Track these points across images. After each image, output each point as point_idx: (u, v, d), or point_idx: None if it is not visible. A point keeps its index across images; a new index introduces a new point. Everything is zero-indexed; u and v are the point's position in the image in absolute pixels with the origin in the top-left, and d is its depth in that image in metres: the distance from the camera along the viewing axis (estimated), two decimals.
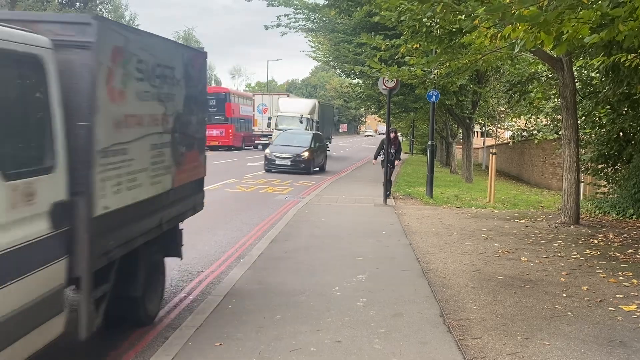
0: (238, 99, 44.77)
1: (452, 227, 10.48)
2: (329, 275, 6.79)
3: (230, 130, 40.63)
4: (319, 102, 36.46)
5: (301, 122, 31.05)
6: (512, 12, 4.22)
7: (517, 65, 15.33)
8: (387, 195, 14.10)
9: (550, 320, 5.35)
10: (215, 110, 39.76)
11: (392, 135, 14.81)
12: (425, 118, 31.46)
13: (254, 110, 44.17)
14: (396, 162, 15.63)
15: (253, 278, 6.61)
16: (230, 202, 13.78)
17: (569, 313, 5.58)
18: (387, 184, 14.56)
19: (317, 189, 17.08)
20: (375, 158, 15.60)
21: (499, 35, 4.94)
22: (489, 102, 25.57)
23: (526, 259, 7.89)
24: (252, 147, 43.52)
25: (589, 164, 13.37)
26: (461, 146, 27.83)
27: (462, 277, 6.87)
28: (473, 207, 13.72)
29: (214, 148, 39.76)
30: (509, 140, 32.90)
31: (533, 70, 15.04)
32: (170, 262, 7.54)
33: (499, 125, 34.94)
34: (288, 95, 45.98)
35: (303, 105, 33.77)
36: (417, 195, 15.59)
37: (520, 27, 4.45)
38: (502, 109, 29.20)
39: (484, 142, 36.82)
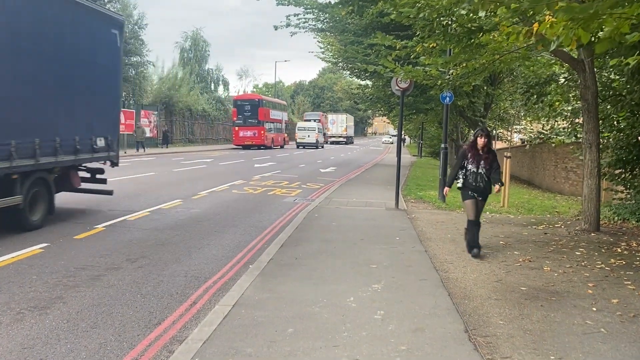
0: (269, 105, 51.38)
1: None
2: (343, 284, 6.44)
3: (262, 132, 46.27)
4: None
5: None
6: (557, 3, 3.85)
7: (532, 67, 14.90)
8: (477, 252, 8.16)
9: (583, 337, 4.98)
10: (250, 114, 45.94)
11: (482, 141, 8.04)
12: (435, 120, 31.09)
13: (327, 123, 66.50)
14: (495, 187, 8.02)
15: (263, 286, 6.27)
16: (238, 205, 13.46)
17: (602, 329, 5.20)
18: (472, 231, 8.25)
19: (326, 191, 16.74)
20: (450, 185, 8.68)
21: (534, 31, 4.58)
22: (502, 105, 25.16)
23: (549, 269, 7.51)
24: (279, 147, 50.92)
25: (606, 168, 12.94)
26: None
27: (484, 288, 6.50)
28: (487, 212, 13.31)
29: (247, 147, 46.50)
30: (521, 143, 32.39)
31: (550, 71, 14.61)
32: (176, 268, 7.25)
33: (510, 129, 34.52)
34: None
35: None
36: (429, 199, 15.19)
37: (559, 22, 4.09)
38: (514, 112, 28.78)
39: (494, 145, 36.38)
